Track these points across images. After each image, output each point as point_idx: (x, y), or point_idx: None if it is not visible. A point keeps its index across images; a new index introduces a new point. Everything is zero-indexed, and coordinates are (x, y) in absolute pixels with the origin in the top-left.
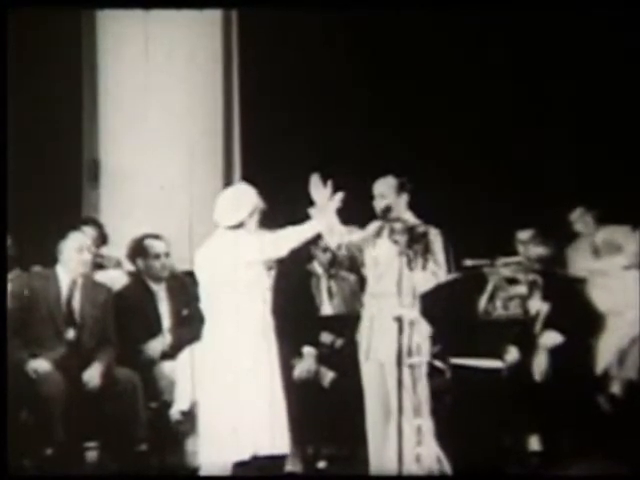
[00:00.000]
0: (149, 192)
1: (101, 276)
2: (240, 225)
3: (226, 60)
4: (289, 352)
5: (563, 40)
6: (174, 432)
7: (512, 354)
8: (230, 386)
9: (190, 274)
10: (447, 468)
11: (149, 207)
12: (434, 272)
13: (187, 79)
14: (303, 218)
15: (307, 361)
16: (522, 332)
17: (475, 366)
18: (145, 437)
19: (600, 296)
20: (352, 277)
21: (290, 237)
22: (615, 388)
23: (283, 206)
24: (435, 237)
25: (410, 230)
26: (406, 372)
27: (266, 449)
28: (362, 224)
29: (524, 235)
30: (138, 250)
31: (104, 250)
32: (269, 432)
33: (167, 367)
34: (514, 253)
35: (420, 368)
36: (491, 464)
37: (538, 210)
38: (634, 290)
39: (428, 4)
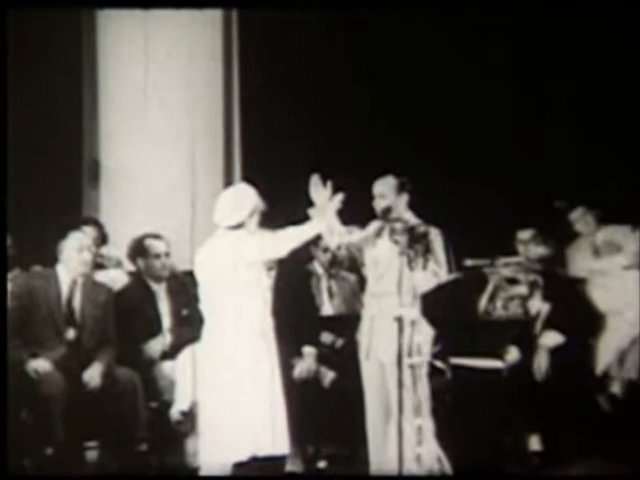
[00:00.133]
0: (149, 192)
1: (101, 276)
2: (240, 225)
3: (226, 60)
4: (289, 352)
5: (563, 40)
6: (174, 432)
7: (512, 354)
8: (230, 386)
9: (190, 274)
10: (447, 468)
11: (149, 207)
12: (435, 272)
13: (187, 79)
14: (303, 218)
15: (307, 361)
16: (522, 332)
17: (475, 366)
18: (145, 437)
19: (600, 296)
20: (352, 277)
21: (290, 238)
22: (615, 388)
23: (283, 206)
24: (435, 237)
25: (410, 230)
26: (406, 372)
27: (266, 449)
28: (362, 224)
29: (524, 235)
30: (138, 250)
31: (104, 250)
32: (269, 432)
33: (167, 367)
34: (514, 253)
35: (420, 368)
36: (491, 464)
37: (538, 210)
38: (634, 290)
39: (428, 4)
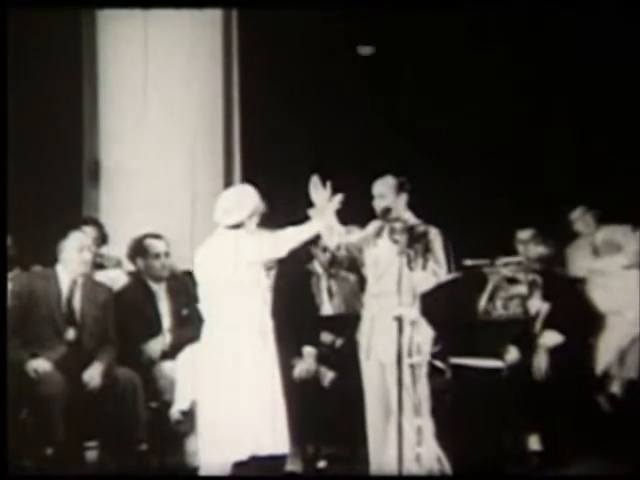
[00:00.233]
0: (149, 192)
1: (101, 276)
2: (240, 225)
3: (226, 60)
4: (289, 352)
5: (563, 40)
6: (174, 432)
7: (512, 354)
8: (230, 386)
9: (190, 274)
10: (447, 468)
11: (149, 207)
12: (434, 271)
13: (187, 79)
14: (303, 218)
15: (307, 361)
16: (522, 332)
17: (475, 366)
18: (145, 437)
19: (600, 296)
20: (352, 277)
21: (289, 238)
22: (615, 388)
23: (283, 206)
24: (435, 237)
25: (410, 230)
26: (406, 372)
27: (266, 449)
28: (362, 224)
29: (524, 235)
30: (138, 250)
31: (104, 250)
32: (269, 432)
33: (167, 367)
34: (514, 253)
35: (420, 368)
36: (491, 464)
37: (538, 210)
38: (634, 290)
39: (428, 4)
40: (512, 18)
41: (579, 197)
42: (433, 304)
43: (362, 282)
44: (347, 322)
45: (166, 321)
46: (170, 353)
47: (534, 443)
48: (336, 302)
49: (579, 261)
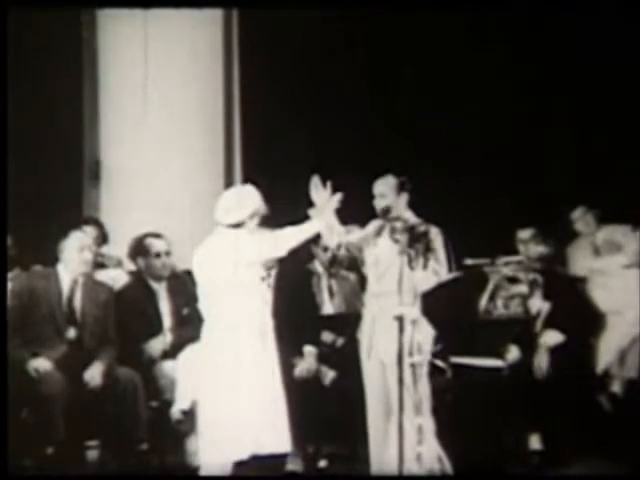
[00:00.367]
0: (149, 192)
1: (102, 275)
2: (240, 225)
3: (226, 59)
4: (290, 351)
5: (563, 40)
6: (174, 431)
7: (513, 353)
8: (230, 385)
9: (191, 273)
10: (448, 467)
11: (149, 206)
12: (435, 271)
13: (187, 79)
14: (303, 218)
15: (308, 360)
16: (523, 331)
17: (476, 365)
18: (146, 436)
19: (600, 295)
20: (353, 276)
21: (289, 237)
22: (616, 387)
23: (283, 206)
24: (436, 236)
25: (411, 229)
26: (407, 371)
27: (267, 448)
28: (362, 224)
29: (525, 234)
30: (139, 249)
31: (105, 249)
32: (270, 431)
33: (168, 366)
34: (515, 252)
35: (421, 367)
36: (491, 463)
37: (539, 209)
38: (634, 289)
39: (428, 4)
40: (512, 18)
41: (579, 197)
42: (434, 303)
43: (363, 281)
44: (348, 321)
45: (167, 320)
46: (171, 352)
47: (534, 442)
48: (337, 301)
49: (580, 261)
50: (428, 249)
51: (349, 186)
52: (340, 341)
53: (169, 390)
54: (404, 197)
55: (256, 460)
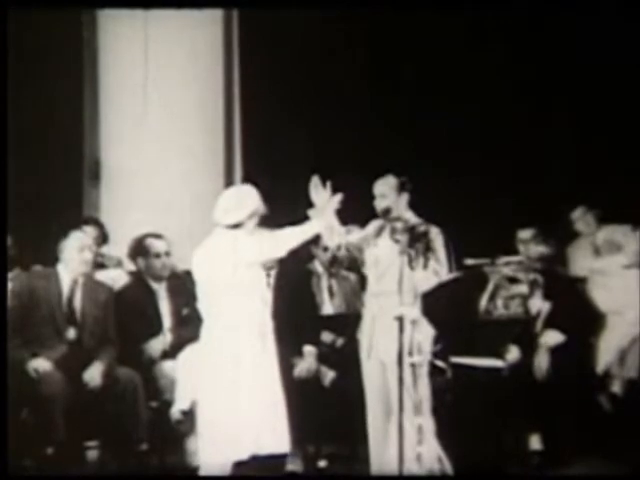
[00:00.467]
0: (149, 192)
1: (102, 275)
2: (239, 225)
3: (227, 60)
4: (289, 351)
5: (563, 40)
6: (174, 431)
7: (513, 353)
8: (230, 385)
9: (190, 273)
10: (448, 467)
11: (150, 206)
12: (435, 271)
13: (187, 79)
14: (303, 219)
15: (307, 360)
16: (523, 331)
17: (476, 365)
18: (145, 437)
19: (601, 295)
20: (353, 276)
21: (289, 238)
22: (616, 387)
23: (283, 206)
24: (436, 236)
25: (411, 229)
26: (407, 371)
27: (266, 448)
28: (362, 224)
29: (525, 234)
30: (139, 249)
31: (105, 249)
32: (269, 431)
33: (168, 366)
34: (515, 252)
35: (421, 367)
36: (492, 463)
37: (539, 209)
38: (634, 289)
39: (428, 4)
40: (512, 18)
41: (580, 197)
42: (434, 303)
43: (363, 281)
44: (348, 321)
45: (167, 320)
46: (171, 353)
47: (535, 442)
48: (337, 301)
49: (580, 261)
50: (428, 249)
51: (349, 186)
52: (340, 341)
53: (169, 390)
54: (404, 197)
55: (256, 460)
